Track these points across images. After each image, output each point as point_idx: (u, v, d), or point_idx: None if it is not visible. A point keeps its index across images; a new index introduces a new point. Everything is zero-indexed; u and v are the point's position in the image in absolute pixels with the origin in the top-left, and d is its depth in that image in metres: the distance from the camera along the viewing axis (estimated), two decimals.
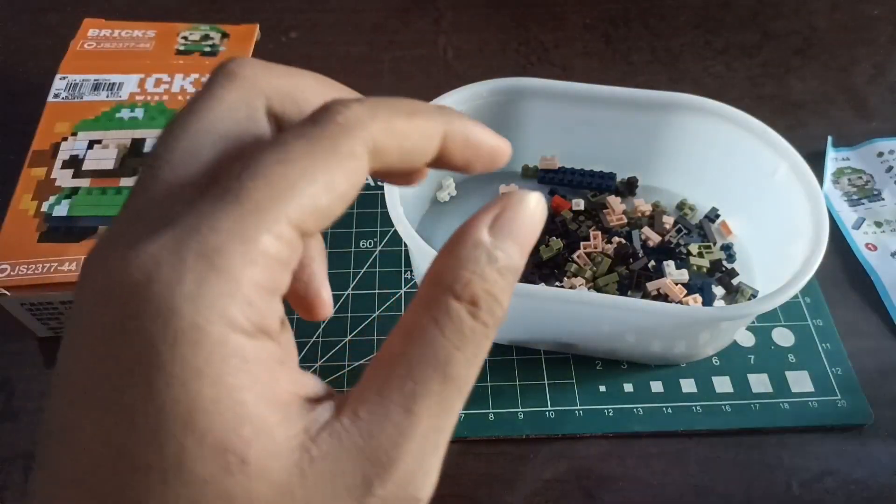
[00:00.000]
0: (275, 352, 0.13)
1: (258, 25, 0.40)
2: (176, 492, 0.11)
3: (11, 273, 0.31)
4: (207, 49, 0.39)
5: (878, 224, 0.37)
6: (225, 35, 0.40)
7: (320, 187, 0.13)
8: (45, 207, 0.33)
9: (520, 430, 0.30)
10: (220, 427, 0.12)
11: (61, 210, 0.33)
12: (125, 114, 0.36)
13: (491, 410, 0.31)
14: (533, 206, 0.15)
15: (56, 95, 0.36)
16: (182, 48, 0.39)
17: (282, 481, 0.12)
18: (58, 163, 0.34)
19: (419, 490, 0.13)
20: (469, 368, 0.14)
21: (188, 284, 0.12)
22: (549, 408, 0.31)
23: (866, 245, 0.37)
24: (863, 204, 0.38)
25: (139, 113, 0.36)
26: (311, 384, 0.14)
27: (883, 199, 0.38)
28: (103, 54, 0.38)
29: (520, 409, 0.31)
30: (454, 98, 0.35)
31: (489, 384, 0.32)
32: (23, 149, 0.34)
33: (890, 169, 0.40)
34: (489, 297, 0.14)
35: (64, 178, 0.34)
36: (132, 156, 0.34)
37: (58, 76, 0.37)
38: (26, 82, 0.42)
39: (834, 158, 0.40)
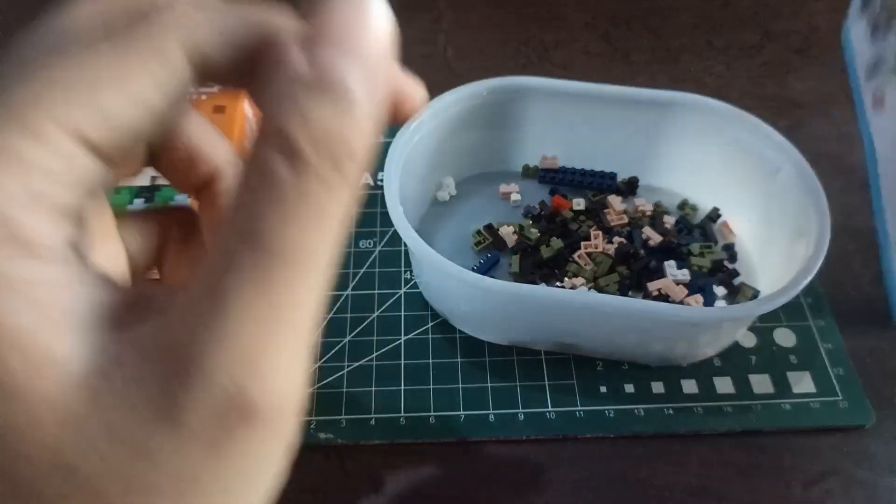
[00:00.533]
0: (57, 273, 0.11)
1: None
2: None
3: None
4: None
5: None
6: None
7: (109, 90, 0.11)
8: None
9: (520, 431, 0.30)
10: None
11: None
12: None
13: (491, 412, 0.31)
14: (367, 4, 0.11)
15: None
16: None
17: (68, 408, 0.10)
18: None
19: (258, 395, 0.10)
20: (305, 236, 0.11)
21: None
22: (550, 409, 0.31)
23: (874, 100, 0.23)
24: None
25: None
26: (117, 292, 0.12)
27: None
28: None
29: (520, 410, 0.31)
30: (453, 97, 0.34)
31: (489, 385, 0.32)
32: None
33: None
34: (318, 143, 0.10)
35: None
36: None
37: None
38: None
39: None
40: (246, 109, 0.37)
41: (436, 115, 0.34)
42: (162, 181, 0.34)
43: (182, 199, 0.33)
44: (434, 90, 0.35)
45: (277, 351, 0.11)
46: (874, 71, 0.18)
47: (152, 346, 0.11)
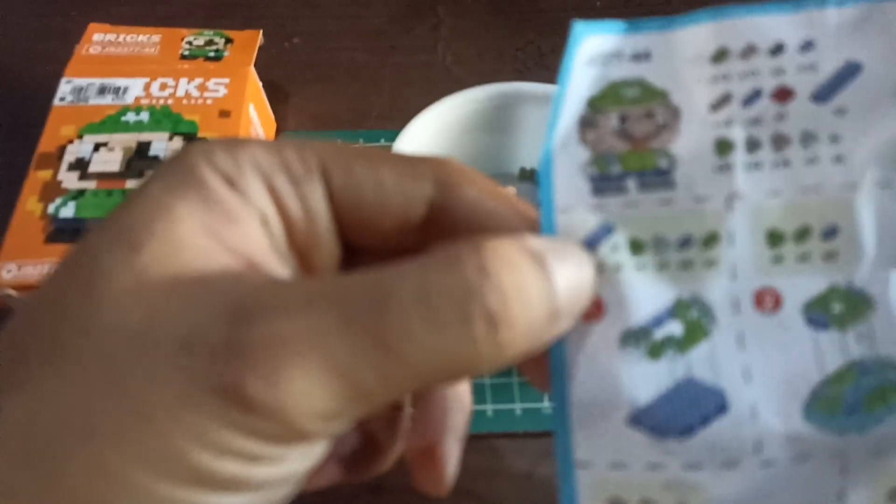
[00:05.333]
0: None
1: (261, 32, 0.41)
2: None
3: (18, 274, 0.31)
4: (212, 54, 0.39)
5: (637, 245, 0.15)
6: (229, 41, 0.40)
7: None
8: (51, 209, 0.33)
9: (518, 425, 0.31)
10: (136, 221, 0.13)
11: (67, 212, 0.33)
12: (130, 117, 0.36)
13: (489, 406, 0.31)
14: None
15: (62, 99, 0.37)
16: (187, 53, 0.39)
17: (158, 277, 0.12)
18: (64, 165, 0.34)
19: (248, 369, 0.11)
20: (422, 346, 0.12)
21: None
22: (545, 404, 0.32)
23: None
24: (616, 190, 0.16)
25: (144, 116, 0.36)
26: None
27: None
28: (108, 59, 0.38)
29: (517, 405, 0.32)
30: (452, 102, 0.35)
31: (488, 382, 0.32)
32: (29, 151, 0.35)
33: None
34: (507, 295, 0.12)
35: (70, 180, 0.34)
36: (138, 158, 0.35)
37: (63, 80, 0.37)
38: (32, 86, 0.42)
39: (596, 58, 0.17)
40: (252, 114, 0.38)
41: (435, 120, 0.35)
42: None
43: None
44: (434, 96, 0.36)
45: (314, 363, 0.12)
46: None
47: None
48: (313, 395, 0.12)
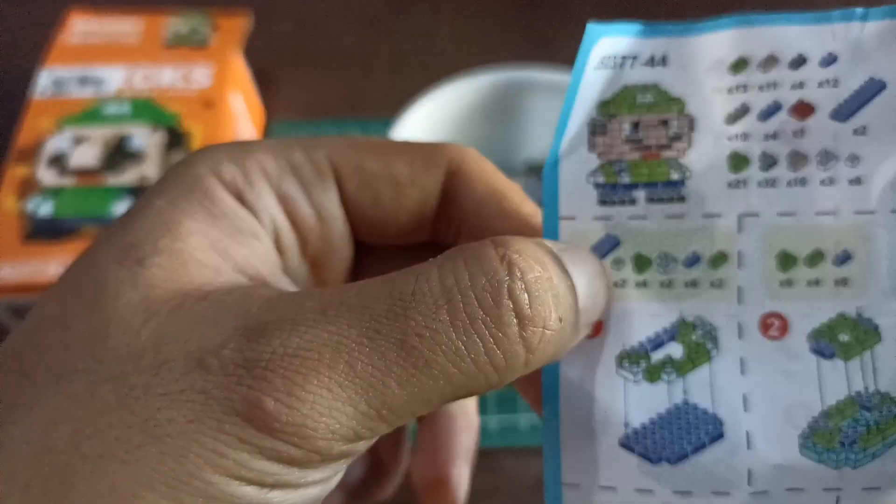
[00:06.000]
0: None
1: (250, 15, 0.39)
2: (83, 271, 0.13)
3: None
4: (196, 42, 0.38)
5: (642, 262, 0.15)
6: (215, 26, 0.38)
7: None
8: (29, 207, 0.32)
9: (523, 440, 0.29)
10: (139, 236, 0.13)
11: (46, 209, 0.32)
12: (111, 109, 0.35)
13: (493, 419, 0.30)
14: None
15: (41, 91, 0.35)
16: (171, 41, 0.38)
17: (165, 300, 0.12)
18: (42, 161, 0.33)
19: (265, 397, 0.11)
20: (450, 348, 0.11)
21: None
22: None
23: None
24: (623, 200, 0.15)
25: (126, 108, 0.35)
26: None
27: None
28: (89, 48, 0.37)
29: (521, 416, 0.30)
30: (454, 90, 0.33)
31: (492, 394, 0.31)
32: (5, 147, 0.33)
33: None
34: (536, 292, 0.12)
35: (48, 176, 0.33)
36: (118, 153, 0.33)
37: (42, 71, 0.36)
38: (8, 77, 0.41)
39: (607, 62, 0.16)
40: (236, 105, 0.36)
41: (433, 108, 0.33)
42: (150, 181, 0.33)
43: None
44: (432, 83, 0.34)
45: (337, 383, 0.11)
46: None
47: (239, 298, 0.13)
48: (336, 412, 0.11)
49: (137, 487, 0.11)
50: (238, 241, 0.13)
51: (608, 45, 0.15)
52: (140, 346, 0.12)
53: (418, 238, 0.16)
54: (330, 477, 0.12)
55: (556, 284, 0.12)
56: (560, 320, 0.12)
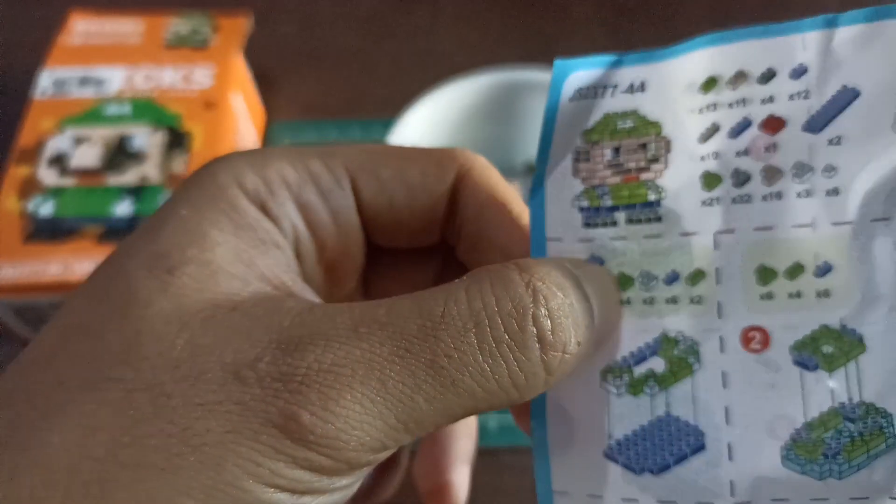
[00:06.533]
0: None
1: (250, 16, 0.39)
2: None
3: None
4: (197, 42, 0.38)
5: (625, 280, 0.15)
6: (216, 27, 0.39)
7: None
8: (30, 207, 0.32)
9: (523, 439, 0.29)
10: (170, 245, 0.13)
11: (47, 209, 0.32)
12: (112, 110, 0.35)
13: (493, 415, 0.30)
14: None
15: (42, 91, 0.35)
16: (171, 41, 0.38)
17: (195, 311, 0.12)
18: (43, 161, 0.33)
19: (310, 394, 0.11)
20: (477, 370, 0.12)
21: None
22: None
23: None
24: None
25: (126, 109, 0.35)
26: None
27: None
28: (90, 49, 0.37)
29: None
30: (453, 91, 0.33)
31: None
32: (7, 147, 0.33)
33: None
34: (558, 317, 0.12)
35: (49, 176, 0.33)
36: (119, 153, 0.33)
37: (43, 71, 0.36)
38: (9, 77, 0.41)
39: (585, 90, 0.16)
40: (237, 105, 0.36)
41: (434, 109, 0.33)
42: (150, 181, 0.33)
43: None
44: (432, 83, 0.34)
45: (368, 403, 0.12)
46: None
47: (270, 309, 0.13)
48: (367, 426, 0.12)
49: (175, 495, 0.11)
50: (261, 251, 0.14)
51: (582, 77, 0.16)
52: (175, 356, 0.12)
53: (428, 240, 0.16)
54: (353, 483, 0.13)
55: (576, 309, 0.13)
56: (578, 344, 0.13)
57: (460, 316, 0.12)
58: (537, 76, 0.34)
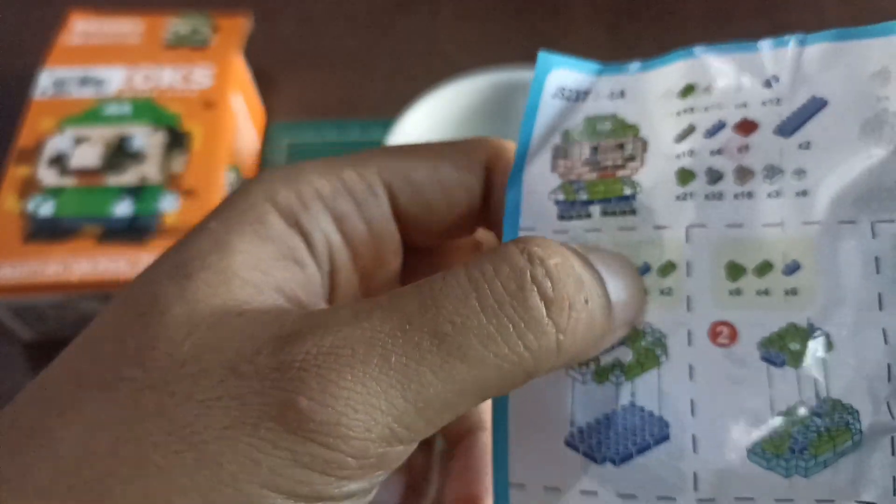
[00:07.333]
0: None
1: (249, 16, 0.39)
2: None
3: None
4: (197, 42, 0.38)
5: None
6: (215, 27, 0.38)
7: None
8: (30, 207, 0.32)
9: None
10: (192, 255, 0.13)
11: (47, 209, 0.32)
12: (112, 110, 0.35)
13: None
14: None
15: (42, 91, 0.35)
16: (171, 42, 0.38)
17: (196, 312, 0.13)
18: (43, 161, 0.33)
19: (307, 392, 0.11)
20: (481, 333, 0.11)
21: None
22: None
23: None
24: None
25: (126, 109, 0.35)
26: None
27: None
28: (90, 49, 0.37)
29: None
30: (453, 91, 0.33)
31: None
32: (6, 147, 0.33)
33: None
34: (557, 277, 0.12)
35: (49, 176, 0.33)
36: (119, 153, 0.33)
37: (43, 71, 0.36)
38: (9, 77, 0.41)
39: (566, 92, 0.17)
40: (236, 105, 0.36)
41: (433, 109, 0.33)
42: (150, 181, 0.33)
43: (168, 202, 0.32)
44: (432, 83, 0.34)
45: (376, 391, 0.11)
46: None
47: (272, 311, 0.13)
48: (371, 408, 0.11)
49: (171, 494, 0.11)
50: (282, 264, 0.14)
51: (564, 76, 0.16)
52: (182, 356, 0.12)
53: (467, 232, 0.16)
54: (366, 490, 0.12)
55: (578, 272, 0.12)
56: (586, 301, 0.12)
57: (459, 285, 0.12)
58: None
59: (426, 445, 0.19)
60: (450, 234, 0.16)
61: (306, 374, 0.11)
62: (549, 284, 0.12)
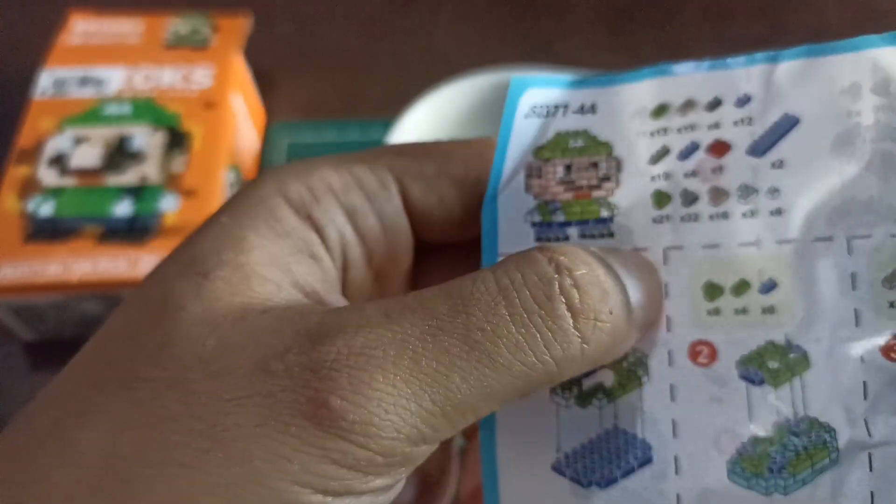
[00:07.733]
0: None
1: (249, 17, 0.39)
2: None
3: None
4: (197, 42, 0.38)
5: None
6: (215, 27, 0.39)
7: None
8: (30, 207, 0.32)
9: None
10: (205, 254, 0.13)
11: (47, 210, 0.32)
12: (112, 110, 0.35)
13: None
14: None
15: (42, 91, 0.35)
16: (171, 42, 0.38)
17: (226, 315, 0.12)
18: (43, 161, 0.33)
19: (344, 392, 0.11)
20: (510, 341, 0.12)
21: None
22: None
23: None
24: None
25: (126, 109, 0.35)
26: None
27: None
28: (90, 49, 0.37)
29: None
30: (452, 91, 0.33)
31: None
32: (6, 147, 0.33)
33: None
34: (583, 286, 0.12)
35: (49, 176, 0.33)
36: (119, 153, 0.33)
37: (43, 71, 0.36)
38: (9, 77, 0.41)
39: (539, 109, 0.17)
40: (236, 105, 0.36)
41: (433, 109, 0.33)
42: (150, 181, 0.33)
43: (169, 201, 0.32)
44: (432, 83, 0.34)
45: (405, 396, 0.11)
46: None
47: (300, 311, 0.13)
48: (401, 409, 0.11)
49: (198, 493, 0.11)
50: (298, 259, 0.14)
51: (537, 95, 0.16)
52: (204, 355, 0.12)
53: (478, 230, 0.16)
54: (390, 486, 0.12)
55: (602, 281, 0.13)
56: (611, 312, 0.13)
57: (489, 292, 0.12)
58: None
59: (444, 442, 0.19)
60: (462, 230, 0.16)
61: (338, 373, 0.11)
62: (576, 295, 0.12)
